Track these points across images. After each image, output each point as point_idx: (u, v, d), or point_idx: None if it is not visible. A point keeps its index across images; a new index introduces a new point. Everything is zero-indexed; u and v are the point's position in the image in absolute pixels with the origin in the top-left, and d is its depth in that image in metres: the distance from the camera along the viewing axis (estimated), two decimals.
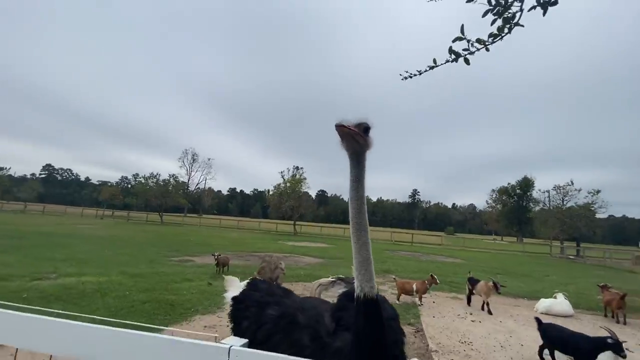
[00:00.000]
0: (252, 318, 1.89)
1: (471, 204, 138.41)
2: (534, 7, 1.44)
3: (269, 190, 44.36)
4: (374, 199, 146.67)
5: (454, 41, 1.46)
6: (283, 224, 38.65)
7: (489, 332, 5.65)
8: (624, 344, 3.62)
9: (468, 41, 1.46)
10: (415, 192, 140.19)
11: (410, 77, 1.72)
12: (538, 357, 4.52)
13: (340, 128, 1.35)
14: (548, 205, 32.76)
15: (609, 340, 3.63)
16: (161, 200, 38.87)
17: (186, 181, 68.67)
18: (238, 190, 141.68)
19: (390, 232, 34.82)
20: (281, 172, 40.43)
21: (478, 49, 1.46)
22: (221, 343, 1.42)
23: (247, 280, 2.40)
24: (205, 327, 4.82)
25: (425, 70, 1.64)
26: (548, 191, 32.26)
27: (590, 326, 6.32)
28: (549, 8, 1.37)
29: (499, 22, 1.40)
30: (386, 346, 1.34)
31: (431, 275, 7.44)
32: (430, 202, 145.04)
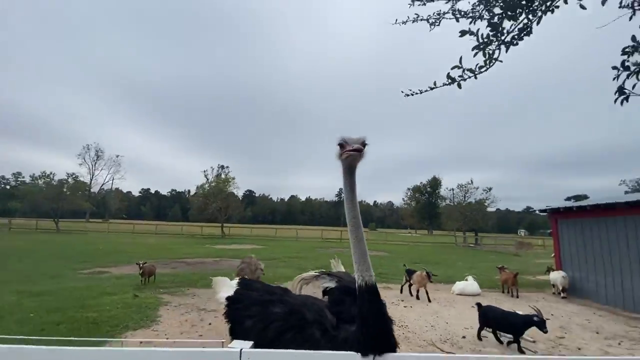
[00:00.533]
0: (257, 317, 1.89)
1: (390, 202, 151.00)
2: (509, 44, 1.73)
3: (189, 191, 41.27)
4: (303, 198, 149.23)
5: (452, 69, 1.66)
6: (209, 226, 36.50)
7: (419, 315, 6.34)
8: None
9: (463, 70, 1.68)
10: (341, 191, 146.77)
11: (412, 94, 1.88)
12: (462, 332, 5.26)
13: (347, 151, 1.58)
14: (452, 201, 37.95)
15: (535, 318, 4.37)
16: (56, 204, 32.80)
17: (88, 181, 59.55)
18: (152, 191, 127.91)
19: (321, 230, 35.88)
20: (204, 171, 38.13)
21: (469, 77, 1.69)
22: (230, 347, 1.37)
23: (238, 280, 2.35)
24: (141, 342, 4.32)
25: (426, 90, 1.82)
26: (453, 189, 37.42)
27: (494, 301, 7.57)
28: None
29: (487, 53, 1.67)
30: (389, 327, 1.48)
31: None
32: None
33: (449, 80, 1.69)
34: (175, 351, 1.32)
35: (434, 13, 2.29)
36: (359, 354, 1.33)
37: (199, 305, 6.64)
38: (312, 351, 1.36)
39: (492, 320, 4.85)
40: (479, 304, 5.19)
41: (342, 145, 1.66)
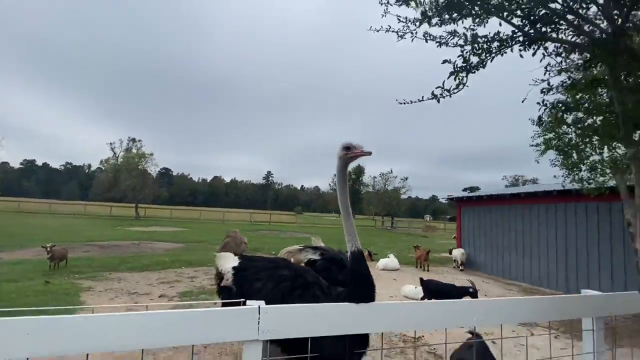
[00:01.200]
0: (267, 279, 2.16)
1: (316, 186, 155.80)
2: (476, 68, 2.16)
3: (89, 166, 35.94)
4: (228, 180, 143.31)
5: (436, 88, 2.03)
6: (119, 206, 32.69)
7: None
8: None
9: (442, 89, 2.06)
10: (269, 174, 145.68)
11: (405, 103, 2.18)
12: (389, 300, 6.08)
13: (354, 153, 1.96)
14: (374, 188, 41.31)
15: (470, 289, 5.19)
16: None
17: None
18: (39, 163, 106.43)
19: (249, 213, 35.38)
20: (111, 143, 33.75)
21: (446, 95, 2.08)
22: (248, 305, 1.51)
23: (239, 255, 2.52)
24: None
25: (417, 101, 2.14)
26: (375, 177, 40.67)
27: (410, 275, 8.82)
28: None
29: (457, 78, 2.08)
30: (371, 281, 1.93)
31: (368, 252, 8.40)
32: (282, 183, 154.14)
33: (432, 96, 2.07)
34: (199, 311, 1.42)
35: (403, 27, 2.63)
36: (353, 303, 1.65)
37: (129, 289, 6.19)
38: (317, 304, 1.62)
39: (434, 291, 5.51)
40: (421, 279, 5.89)
41: (348, 148, 2.03)
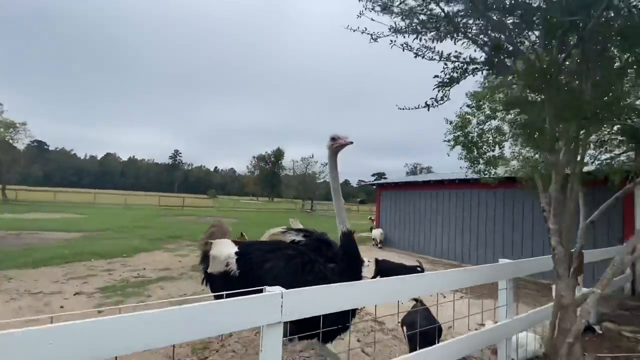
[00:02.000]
0: (275, 259, 2.32)
1: (232, 168, 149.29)
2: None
3: None
4: (125, 158, 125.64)
5: (429, 99, 2.26)
6: None
7: None
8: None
9: (433, 99, 2.31)
10: (177, 153, 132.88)
11: (404, 109, 2.35)
12: None
13: (339, 142, 2.44)
14: (294, 172, 41.95)
15: (419, 268, 5.67)
16: None
17: None
18: None
19: (158, 196, 31.97)
20: None
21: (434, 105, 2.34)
22: (269, 292, 1.57)
23: (234, 242, 2.78)
24: None
25: (414, 108, 2.33)
26: (297, 161, 41.20)
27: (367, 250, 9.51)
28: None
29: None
30: (360, 257, 2.34)
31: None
32: (192, 164, 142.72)
33: (425, 105, 2.32)
34: (220, 303, 1.42)
35: (376, 32, 2.81)
36: (350, 280, 1.90)
37: (28, 288, 5.16)
38: (328, 285, 1.79)
39: (385, 270, 5.90)
40: (377, 259, 6.25)
41: (334, 139, 2.40)
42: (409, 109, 2.47)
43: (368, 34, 2.93)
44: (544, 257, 3.56)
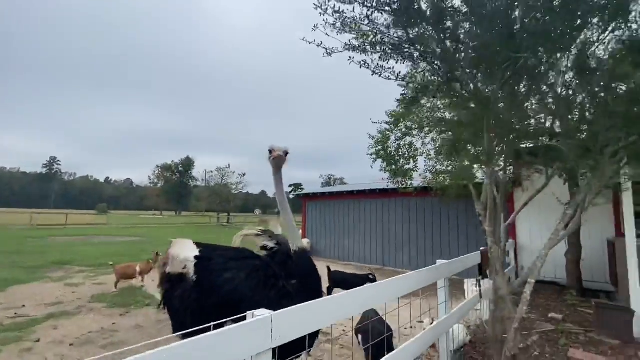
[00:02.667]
0: (237, 269, 2.18)
1: (128, 179, 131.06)
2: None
3: None
4: None
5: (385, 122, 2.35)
6: None
7: None
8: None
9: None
10: (53, 161, 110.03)
11: (377, 123, 2.38)
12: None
13: (275, 155, 2.24)
14: (208, 182, 39.13)
15: (371, 276, 5.66)
16: None
17: None
18: None
19: (30, 213, 25.67)
20: None
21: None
22: (258, 317, 1.41)
23: (198, 243, 2.61)
24: None
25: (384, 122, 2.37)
26: (212, 171, 38.39)
27: None
28: None
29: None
30: (317, 274, 2.30)
31: (156, 253, 7.21)
32: (75, 174, 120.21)
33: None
34: (203, 338, 1.19)
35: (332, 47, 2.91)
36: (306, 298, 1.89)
37: None
38: (313, 301, 1.69)
39: (339, 280, 5.82)
40: (328, 267, 6.08)
41: (270, 151, 2.24)
42: (379, 122, 2.58)
43: (324, 48, 3.00)
44: (469, 255, 4.13)
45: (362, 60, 2.85)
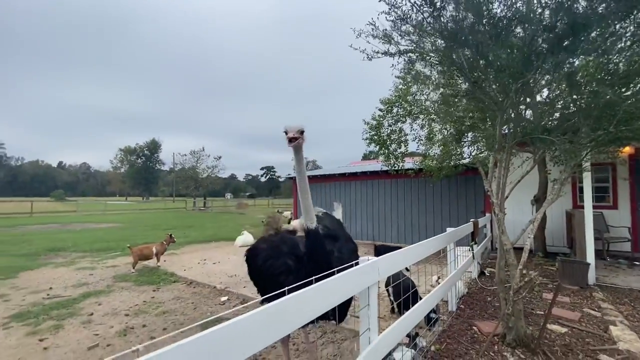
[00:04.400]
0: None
1: (85, 163, 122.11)
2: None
3: None
4: None
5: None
6: None
7: (235, 265, 7.19)
8: None
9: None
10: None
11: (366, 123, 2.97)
12: None
13: (290, 138, 2.12)
14: (182, 166, 37.83)
15: (401, 246, 6.28)
16: None
17: None
18: None
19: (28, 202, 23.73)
20: None
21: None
22: (372, 260, 2.08)
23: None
24: None
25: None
26: (186, 154, 37.04)
27: None
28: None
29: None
30: (326, 253, 2.34)
31: (169, 235, 7.53)
32: (23, 158, 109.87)
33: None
34: (348, 273, 1.88)
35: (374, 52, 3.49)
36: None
37: None
38: (396, 251, 2.39)
39: (383, 251, 6.36)
40: (375, 245, 6.63)
41: (285, 133, 2.12)
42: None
43: (363, 52, 3.58)
44: (465, 225, 5.04)
45: (409, 68, 3.49)
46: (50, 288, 5.64)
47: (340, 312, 2.24)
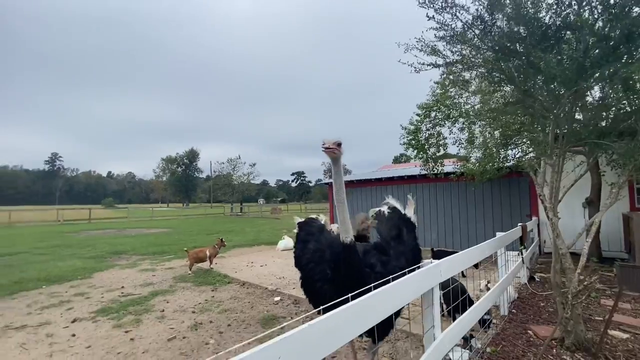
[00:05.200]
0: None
1: (130, 172, 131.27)
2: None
3: None
4: None
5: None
6: None
7: (281, 268, 7.57)
8: None
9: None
10: (55, 157, 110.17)
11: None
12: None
13: (326, 149, 2.12)
14: (220, 173, 39.64)
15: (456, 251, 6.41)
16: None
17: None
18: None
19: (56, 209, 26.51)
20: None
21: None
22: (434, 263, 2.25)
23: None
24: None
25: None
26: (223, 162, 38.80)
27: None
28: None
29: None
30: (360, 269, 2.24)
31: (221, 239, 8.09)
32: (77, 169, 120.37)
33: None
34: (417, 274, 2.06)
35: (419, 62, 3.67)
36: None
37: (6, 324, 4.35)
38: (458, 253, 2.54)
39: (442, 256, 6.49)
40: (432, 248, 6.77)
41: (323, 144, 2.11)
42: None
43: (413, 67, 3.77)
44: (514, 229, 5.00)
45: (457, 79, 3.64)
46: (122, 287, 6.32)
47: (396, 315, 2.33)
